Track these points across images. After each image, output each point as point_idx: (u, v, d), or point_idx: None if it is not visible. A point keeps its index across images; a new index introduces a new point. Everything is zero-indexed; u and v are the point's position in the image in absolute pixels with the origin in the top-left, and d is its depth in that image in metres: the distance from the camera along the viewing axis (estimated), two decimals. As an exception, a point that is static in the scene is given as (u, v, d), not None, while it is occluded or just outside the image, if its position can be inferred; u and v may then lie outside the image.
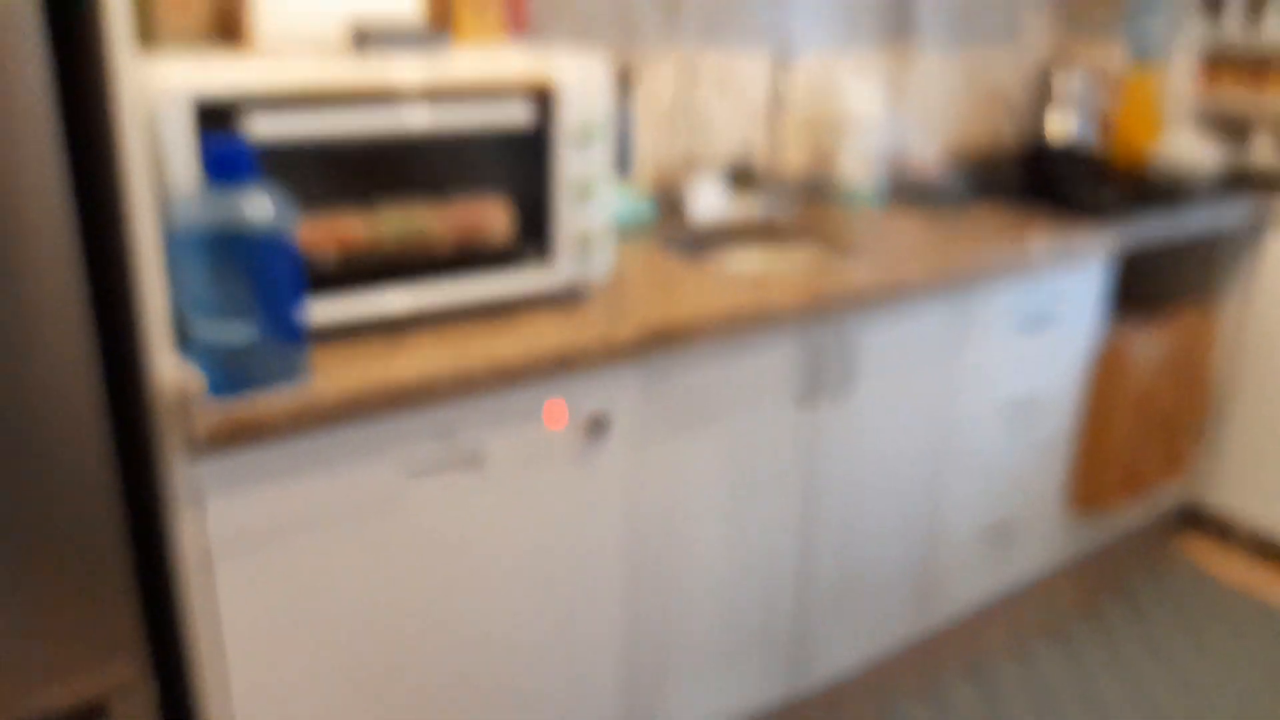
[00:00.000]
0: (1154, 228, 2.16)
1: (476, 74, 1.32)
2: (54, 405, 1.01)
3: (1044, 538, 2.32)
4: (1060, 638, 2.35)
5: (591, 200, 1.46)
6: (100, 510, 1.07)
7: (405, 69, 1.27)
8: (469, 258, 1.39)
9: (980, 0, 2.57)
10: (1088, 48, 2.76)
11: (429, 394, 1.23)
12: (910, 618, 2.08)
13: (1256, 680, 2.22)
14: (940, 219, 2.12)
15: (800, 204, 2.18)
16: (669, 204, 2.05)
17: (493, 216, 1.40)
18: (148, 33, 1.33)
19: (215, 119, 1.14)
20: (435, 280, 1.36)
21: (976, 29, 2.60)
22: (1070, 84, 2.51)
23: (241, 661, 1.22)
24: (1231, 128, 2.86)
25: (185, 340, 1.13)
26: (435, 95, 1.29)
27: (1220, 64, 2.86)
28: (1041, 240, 1.95)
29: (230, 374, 1.13)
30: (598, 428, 1.43)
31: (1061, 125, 2.52)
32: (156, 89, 1.10)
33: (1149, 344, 2.28)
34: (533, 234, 1.44)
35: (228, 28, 1.41)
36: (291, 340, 1.17)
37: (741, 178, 2.16)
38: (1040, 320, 2.05)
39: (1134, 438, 2.34)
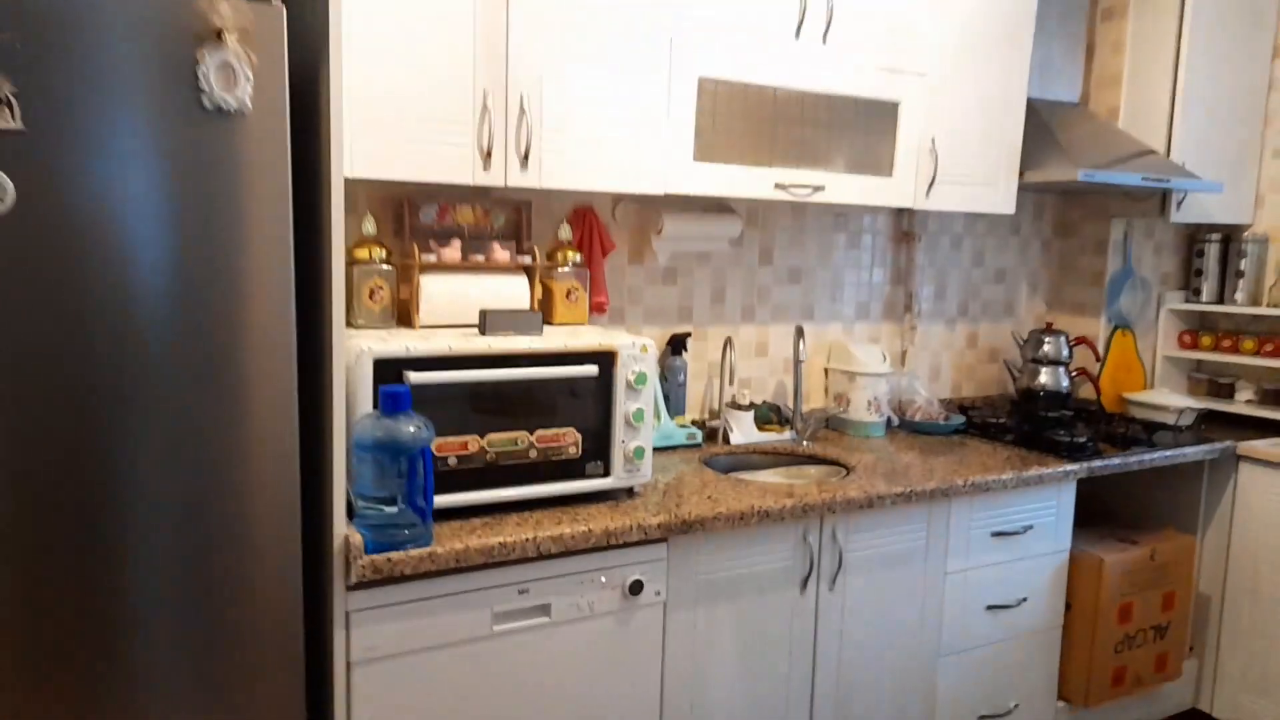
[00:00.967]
0: (1117, 464, 2.44)
1: (562, 346, 1.83)
2: (269, 546, 1.47)
3: (1048, 733, 2.44)
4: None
5: (638, 428, 1.91)
6: (289, 620, 1.50)
7: (514, 342, 1.79)
8: (549, 467, 1.84)
9: (980, 288, 3.03)
10: (1074, 318, 3.15)
11: (512, 559, 1.64)
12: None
13: None
14: (934, 450, 2.46)
15: (818, 436, 2.58)
16: (711, 432, 2.48)
17: (567, 439, 1.86)
18: (353, 315, 1.91)
19: (388, 371, 1.67)
20: (524, 482, 1.81)
21: (978, 309, 3.04)
22: (1058, 346, 2.89)
23: (367, 747, 1.58)
24: (1216, 381, 3.14)
25: (354, 512, 1.60)
26: (533, 360, 1.79)
27: (1198, 329, 3.20)
28: (1014, 468, 2.27)
29: (381, 538, 1.58)
30: (635, 592, 1.80)
31: (1051, 379, 2.87)
32: (354, 351, 1.64)
33: (1127, 558, 2.49)
34: (596, 451, 1.88)
35: (403, 314, 1.99)
36: (423, 518, 1.62)
37: (770, 415, 2.59)
38: (1016, 534, 2.32)
39: (1120, 642, 2.49)
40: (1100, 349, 3.06)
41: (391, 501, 1.58)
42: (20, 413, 1.22)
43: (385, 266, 1.93)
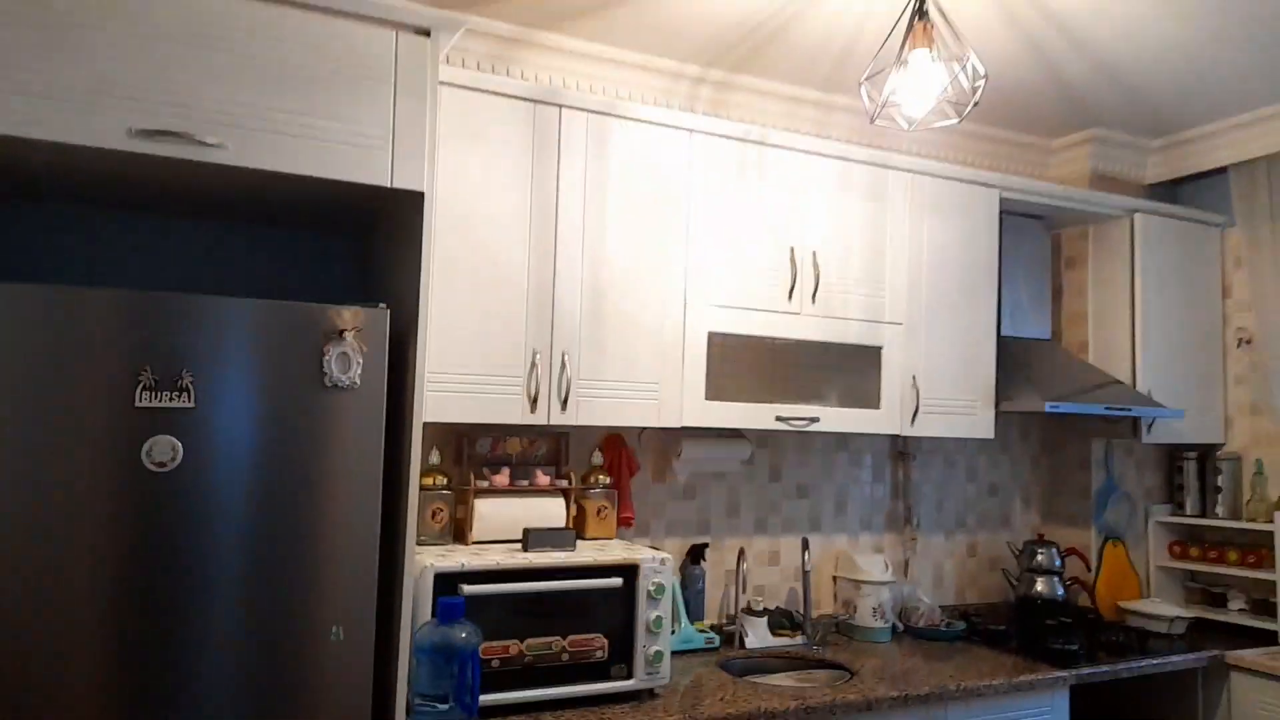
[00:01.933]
0: (1106, 671, 2.61)
1: (591, 560, 2.13)
2: (345, 738, 1.73)
3: None
4: None
5: (658, 634, 2.17)
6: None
7: (551, 557, 2.10)
8: (578, 669, 2.09)
9: (975, 501, 3.30)
10: (1066, 529, 3.38)
11: (544, 752, 1.87)
12: None
13: None
14: (937, 656, 2.66)
15: (828, 640, 2.78)
16: (728, 637, 2.71)
17: (595, 643, 2.12)
18: (418, 532, 2.24)
19: (445, 583, 1.98)
20: (556, 683, 2.06)
21: (974, 521, 3.30)
22: (1050, 556, 3.11)
23: None
24: (1209, 590, 3.31)
25: (410, 709, 1.86)
26: (566, 573, 2.09)
27: (1186, 540, 3.40)
28: (1007, 674, 2.46)
29: (434, 730, 1.83)
30: (653, 789, 1.99)
31: (1046, 587, 3.08)
32: (418, 565, 1.96)
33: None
34: (620, 654, 2.14)
35: (459, 532, 2.32)
36: (472, 714, 1.87)
37: (783, 620, 2.81)
38: (1014, 739, 2.47)
39: None
40: (1092, 559, 3.27)
41: (444, 699, 1.84)
42: (175, 611, 1.54)
43: (446, 491, 2.28)
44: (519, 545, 2.26)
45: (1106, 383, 3.02)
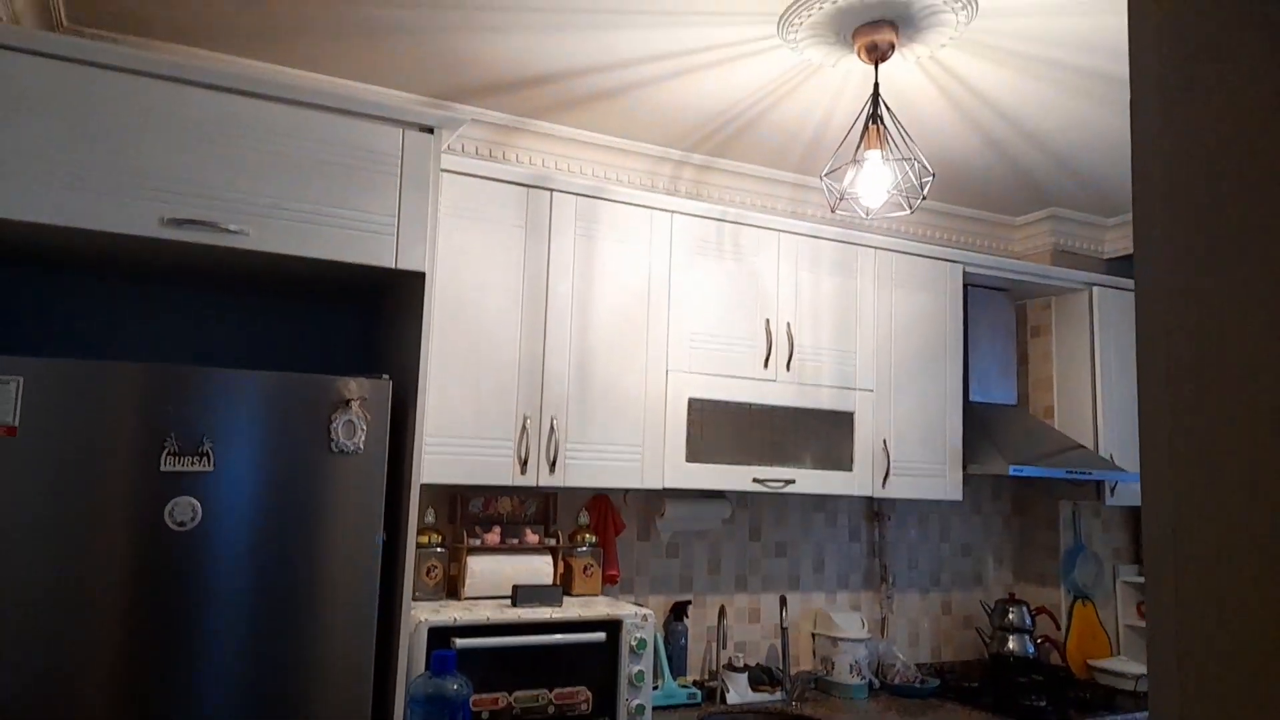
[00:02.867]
0: (1071, 723, 2.71)
1: (576, 615, 2.25)
2: (341, 785, 1.82)
3: None
4: None
5: (640, 687, 2.27)
6: None
7: (538, 612, 2.22)
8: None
9: (949, 560, 3.42)
10: (1037, 588, 3.50)
11: (530, 799, 1.96)
12: None
13: None
14: (912, 713, 2.75)
15: (806, 697, 2.88)
16: (710, 692, 2.80)
17: (580, 696, 2.22)
18: (415, 589, 2.35)
19: (439, 637, 2.09)
20: (543, 733, 2.16)
21: (948, 579, 3.42)
22: (1021, 615, 3.22)
23: None
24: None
25: (406, 757, 1.95)
26: (552, 627, 2.21)
27: (1152, 598, 3.51)
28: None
29: (425, 778, 1.92)
30: (634, 837, 2.08)
31: (1018, 645, 3.18)
32: (414, 619, 2.07)
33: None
34: (603, 707, 2.24)
35: (452, 587, 2.43)
36: (459, 761, 1.96)
37: (763, 676, 2.91)
38: (983, 791, 2.56)
39: None
40: (1061, 618, 3.38)
41: (435, 748, 1.94)
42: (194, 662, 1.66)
43: (440, 549, 2.40)
44: (509, 601, 2.37)
45: (1070, 447, 3.18)
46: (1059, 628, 3.34)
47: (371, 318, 2.48)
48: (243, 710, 1.70)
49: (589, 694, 2.22)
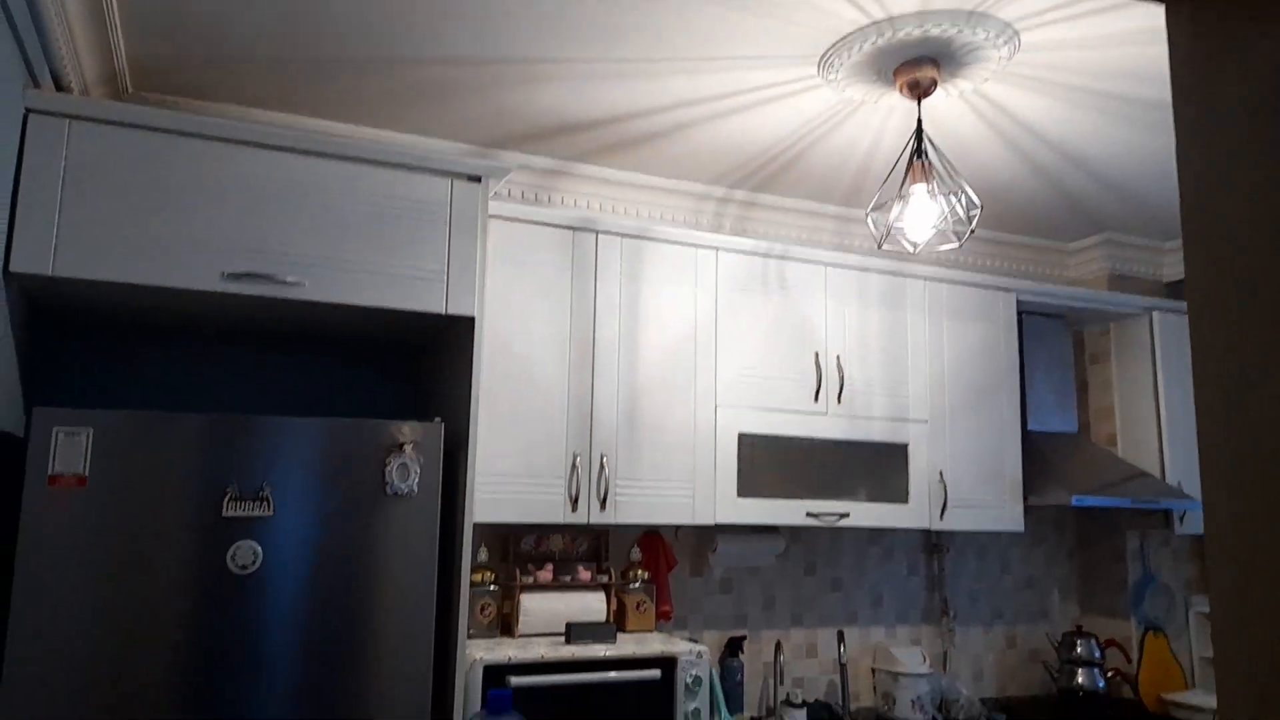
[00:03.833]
0: (1145, 764, 2.59)
1: (630, 653, 2.24)
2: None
3: None
4: None
5: (694, 726, 2.24)
6: None
7: (592, 650, 2.21)
8: (619, 759, 2.17)
9: (1012, 594, 3.32)
10: (1106, 620, 3.37)
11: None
12: None
13: None
14: (973, 751, 2.67)
15: (868, 736, 2.81)
16: (767, 733, 2.75)
17: (634, 734, 2.20)
18: (469, 627, 2.37)
19: (494, 675, 2.10)
20: (598, 772, 2.14)
21: (1012, 613, 3.32)
22: (1089, 648, 3.11)
23: None
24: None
25: (462, 797, 1.96)
26: (607, 665, 2.20)
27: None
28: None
29: (481, 818, 1.92)
30: None
31: (1087, 679, 3.07)
32: (469, 658, 2.09)
33: None
34: (658, 746, 2.21)
35: (506, 625, 2.45)
36: (515, 801, 1.96)
37: (823, 713, 2.85)
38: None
39: None
40: (1132, 650, 3.25)
41: (490, 786, 1.94)
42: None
43: (494, 587, 2.42)
44: (562, 638, 2.38)
45: (1134, 475, 3.07)
46: (1130, 660, 3.21)
47: (420, 365, 2.53)
48: (303, 750, 1.73)
49: (644, 733, 2.20)
